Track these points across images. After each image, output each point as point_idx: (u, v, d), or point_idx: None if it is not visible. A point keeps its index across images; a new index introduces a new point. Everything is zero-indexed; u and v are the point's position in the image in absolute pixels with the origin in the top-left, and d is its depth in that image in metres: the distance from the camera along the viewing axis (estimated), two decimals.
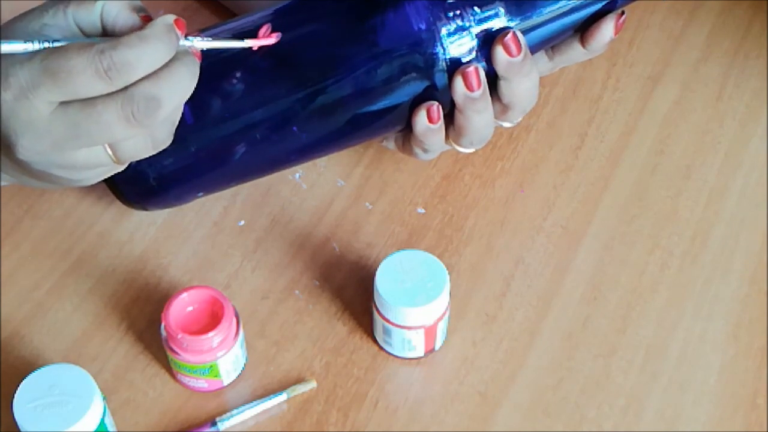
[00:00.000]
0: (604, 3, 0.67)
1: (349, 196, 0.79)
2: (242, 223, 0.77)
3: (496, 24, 0.66)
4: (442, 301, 0.68)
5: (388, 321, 0.68)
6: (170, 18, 0.56)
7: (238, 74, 0.66)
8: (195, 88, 0.57)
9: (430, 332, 0.69)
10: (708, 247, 0.76)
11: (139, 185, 0.69)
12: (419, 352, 0.70)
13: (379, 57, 0.66)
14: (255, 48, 0.61)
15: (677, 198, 0.79)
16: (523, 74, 0.66)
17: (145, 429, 0.68)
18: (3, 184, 0.65)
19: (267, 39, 0.61)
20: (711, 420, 0.69)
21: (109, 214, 0.77)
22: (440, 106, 0.67)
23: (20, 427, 0.61)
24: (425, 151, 0.70)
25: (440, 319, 0.69)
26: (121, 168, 0.60)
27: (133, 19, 0.57)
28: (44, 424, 0.61)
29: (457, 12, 0.65)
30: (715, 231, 0.77)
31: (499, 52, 0.65)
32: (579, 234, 0.77)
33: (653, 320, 0.73)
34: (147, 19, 0.57)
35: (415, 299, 0.67)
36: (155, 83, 0.55)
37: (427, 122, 0.67)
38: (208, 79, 0.60)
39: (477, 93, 0.66)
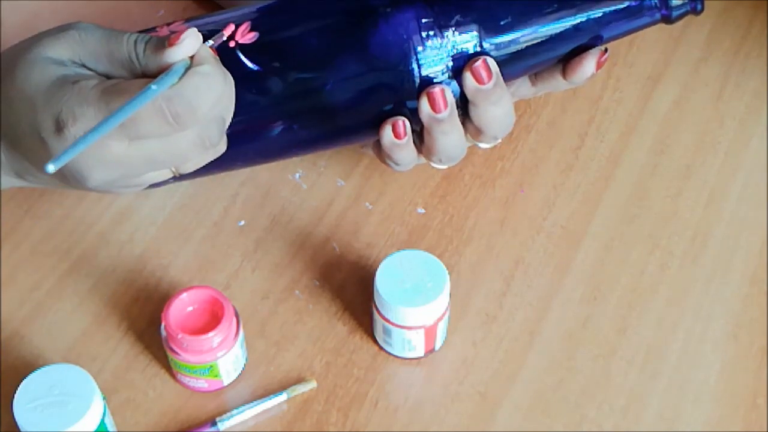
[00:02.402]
0: (584, 40, 0.67)
1: (349, 196, 0.79)
2: (242, 223, 0.77)
3: (471, 47, 0.65)
4: (442, 301, 0.68)
5: (388, 321, 0.68)
6: (207, 45, 0.58)
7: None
8: None
9: (430, 332, 0.69)
10: (708, 247, 0.76)
11: None
12: (419, 352, 0.70)
13: (353, 69, 0.65)
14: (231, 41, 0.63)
15: (677, 198, 0.79)
16: (492, 101, 0.65)
17: (145, 429, 0.68)
18: (2, 188, 0.65)
19: (244, 37, 0.61)
20: (711, 420, 0.69)
21: (109, 215, 0.77)
22: (407, 122, 0.66)
23: (20, 427, 0.61)
24: (396, 164, 0.69)
25: (440, 319, 0.69)
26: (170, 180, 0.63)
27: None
28: (44, 424, 0.61)
29: (432, 32, 0.64)
30: (715, 231, 0.77)
31: (468, 78, 0.65)
32: (579, 234, 0.77)
33: (653, 320, 0.73)
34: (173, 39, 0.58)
35: (415, 299, 0.67)
36: (218, 106, 0.57)
37: (392, 137, 0.66)
38: None
39: (443, 114, 0.65)
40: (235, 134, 0.65)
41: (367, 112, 0.67)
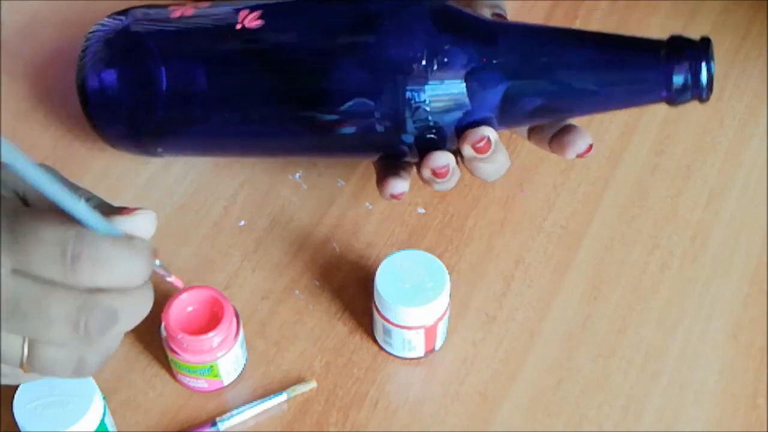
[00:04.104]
0: (587, 109, 0.67)
1: (349, 196, 0.79)
2: (242, 223, 0.77)
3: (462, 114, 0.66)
4: (442, 301, 0.68)
5: (388, 321, 0.68)
6: (150, 244, 0.49)
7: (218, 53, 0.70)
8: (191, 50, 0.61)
9: (430, 332, 0.69)
10: (708, 247, 0.76)
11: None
12: (419, 352, 0.70)
13: (349, 90, 0.67)
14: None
15: (677, 198, 0.79)
16: (488, 161, 0.68)
17: (145, 429, 0.68)
18: None
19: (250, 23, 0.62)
20: (711, 420, 0.69)
21: None
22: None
23: (20, 427, 0.61)
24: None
25: (440, 319, 0.69)
26: (18, 378, 0.51)
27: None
28: (44, 424, 0.61)
29: (421, 93, 0.66)
30: (715, 231, 0.77)
31: (467, 150, 0.66)
32: (579, 234, 0.77)
33: (653, 320, 0.73)
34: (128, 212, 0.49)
35: (415, 299, 0.67)
36: (121, 299, 0.47)
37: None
38: (198, 45, 0.64)
39: (441, 180, 0.68)
40: (225, 114, 0.67)
41: (354, 137, 0.68)
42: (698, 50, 0.63)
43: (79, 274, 0.46)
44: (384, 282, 0.67)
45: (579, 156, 0.70)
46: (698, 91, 0.63)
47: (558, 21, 0.89)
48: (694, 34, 0.88)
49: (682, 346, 0.72)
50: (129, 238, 0.48)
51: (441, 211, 0.78)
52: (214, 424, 0.68)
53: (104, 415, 0.64)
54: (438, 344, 0.71)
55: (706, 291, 0.74)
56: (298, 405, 0.69)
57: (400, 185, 0.70)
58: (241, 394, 0.70)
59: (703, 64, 0.62)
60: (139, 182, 0.79)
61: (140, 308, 0.49)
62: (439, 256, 0.69)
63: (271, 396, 0.69)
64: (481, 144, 0.66)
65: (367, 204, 0.78)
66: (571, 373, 0.71)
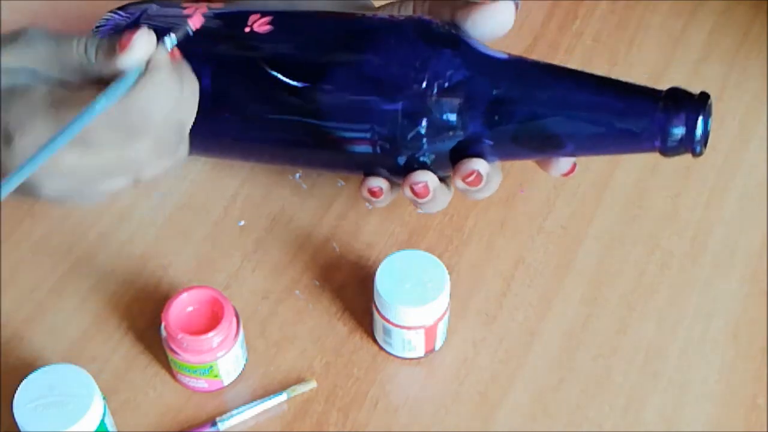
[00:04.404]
0: (578, 148, 0.67)
1: (349, 196, 0.79)
2: (242, 223, 0.77)
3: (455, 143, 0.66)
4: (442, 301, 0.68)
5: (388, 321, 0.68)
6: (168, 44, 0.56)
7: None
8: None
9: (430, 332, 0.69)
10: (708, 247, 0.76)
11: None
12: (419, 352, 0.70)
13: (350, 113, 0.67)
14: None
15: (677, 198, 0.79)
16: (481, 191, 0.68)
17: (145, 429, 0.68)
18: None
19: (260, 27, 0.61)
20: (711, 420, 0.69)
21: (110, 215, 0.77)
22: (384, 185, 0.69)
23: (20, 427, 0.61)
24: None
25: (440, 319, 0.69)
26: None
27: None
28: (44, 424, 0.61)
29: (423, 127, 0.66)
30: (715, 231, 0.77)
31: (459, 183, 0.67)
32: (579, 234, 0.77)
33: (653, 320, 0.73)
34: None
35: (415, 299, 0.67)
36: (174, 114, 0.55)
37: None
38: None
39: (423, 200, 0.68)
40: (224, 120, 0.67)
41: (347, 153, 0.68)
42: (696, 104, 0.63)
43: (136, 134, 0.54)
44: (384, 282, 0.67)
45: (563, 175, 0.70)
46: (692, 146, 0.63)
47: (558, 21, 0.89)
48: (694, 33, 0.88)
49: (682, 346, 0.72)
50: (147, 81, 0.54)
51: (441, 211, 0.78)
52: (214, 424, 0.68)
53: (104, 415, 0.64)
54: (438, 344, 0.71)
55: (706, 291, 0.74)
56: (298, 405, 0.69)
57: (375, 181, 0.69)
58: (241, 394, 0.70)
59: (700, 119, 0.62)
60: None
61: (192, 101, 0.57)
62: (439, 256, 0.69)
63: (271, 396, 0.69)
64: (471, 178, 0.66)
65: (367, 204, 0.78)
66: (571, 373, 0.71)
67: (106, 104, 0.53)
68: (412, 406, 0.69)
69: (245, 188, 0.79)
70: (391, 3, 0.72)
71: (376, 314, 0.69)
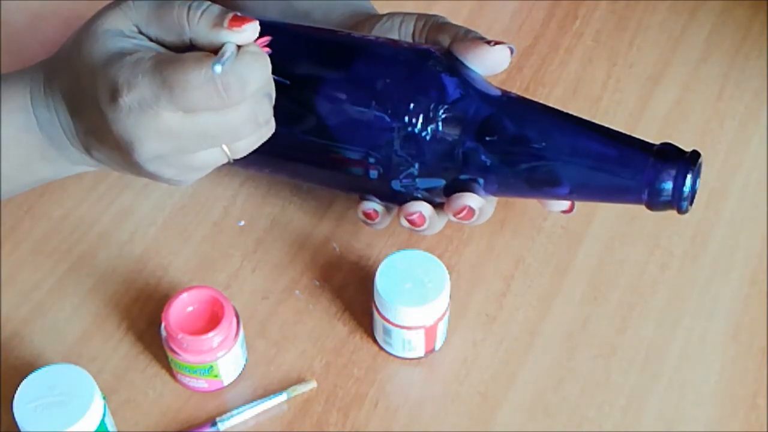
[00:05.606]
0: (570, 192, 0.67)
1: (349, 197, 0.78)
2: (242, 223, 0.77)
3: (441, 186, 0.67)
4: (442, 301, 0.68)
5: (388, 321, 0.68)
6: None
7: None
8: None
9: (430, 332, 0.69)
10: (708, 247, 0.76)
11: None
12: (419, 352, 0.70)
13: (343, 134, 0.67)
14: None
15: None
16: (474, 223, 0.69)
17: (145, 429, 0.68)
18: (90, 169, 0.67)
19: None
20: (711, 420, 0.69)
21: (110, 215, 0.77)
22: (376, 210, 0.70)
23: (20, 427, 0.61)
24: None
25: (440, 319, 0.69)
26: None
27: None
28: (44, 424, 0.61)
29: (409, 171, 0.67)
30: (715, 231, 0.77)
31: (451, 217, 0.68)
32: (579, 234, 0.77)
33: (653, 320, 0.73)
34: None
35: (415, 299, 0.67)
36: (267, 85, 0.60)
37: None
38: None
39: (419, 229, 0.69)
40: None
41: (343, 174, 0.68)
42: (686, 163, 0.63)
43: (233, 97, 0.57)
44: (384, 282, 0.67)
45: (563, 212, 0.71)
46: (678, 203, 0.63)
47: (558, 21, 0.89)
48: (694, 33, 0.88)
49: (682, 346, 0.72)
50: (246, 51, 0.58)
51: None
52: (214, 424, 0.68)
53: (104, 415, 0.64)
54: (438, 344, 0.71)
55: (706, 291, 0.74)
56: (298, 405, 0.69)
57: (370, 204, 0.70)
58: (241, 394, 0.70)
59: (689, 178, 0.62)
60: (139, 182, 0.79)
61: (270, 81, 0.61)
62: (439, 256, 0.69)
63: (271, 396, 0.69)
64: (463, 214, 0.67)
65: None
66: (571, 373, 0.71)
67: (220, 69, 0.56)
68: (412, 406, 0.69)
69: (245, 188, 0.79)
70: (391, 17, 0.72)
71: (376, 314, 0.69)
